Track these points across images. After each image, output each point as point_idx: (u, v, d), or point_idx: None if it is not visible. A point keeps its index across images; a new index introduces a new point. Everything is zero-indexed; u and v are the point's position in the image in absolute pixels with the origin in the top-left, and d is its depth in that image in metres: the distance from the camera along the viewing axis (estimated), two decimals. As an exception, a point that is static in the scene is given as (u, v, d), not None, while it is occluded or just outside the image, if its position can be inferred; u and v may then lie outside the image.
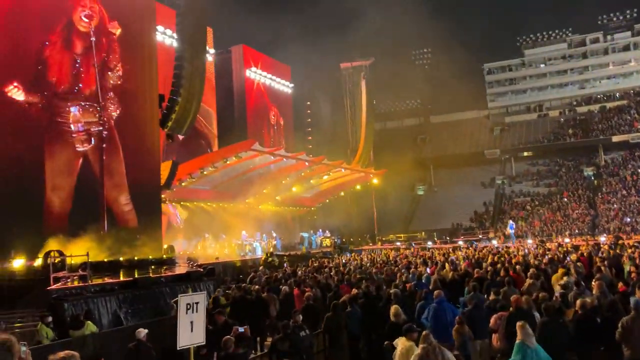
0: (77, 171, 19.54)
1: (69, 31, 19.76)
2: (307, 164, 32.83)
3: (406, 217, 51.62)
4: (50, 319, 11.22)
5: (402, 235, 43.76)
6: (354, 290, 11.66)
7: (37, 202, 18.19)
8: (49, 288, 13.58)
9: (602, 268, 12.97)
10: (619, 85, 60.62)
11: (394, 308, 8.72)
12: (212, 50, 37.62)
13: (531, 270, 12.58)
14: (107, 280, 15.65)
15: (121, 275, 17.32)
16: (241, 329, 9.33)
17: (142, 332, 9.18)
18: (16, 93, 17.92)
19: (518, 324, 6.81)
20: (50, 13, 19.26)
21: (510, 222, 38.96)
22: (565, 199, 47.03)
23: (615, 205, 43.36)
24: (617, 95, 59.52)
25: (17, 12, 18.29)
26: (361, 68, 47.27)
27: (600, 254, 17.40)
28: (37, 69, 18.68)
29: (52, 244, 16.43)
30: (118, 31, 21.39)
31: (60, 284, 14.22)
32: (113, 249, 19.24)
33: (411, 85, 61.75)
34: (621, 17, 63.43)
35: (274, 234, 33.88)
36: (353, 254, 30.86)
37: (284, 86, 44.50)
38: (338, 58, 48.44)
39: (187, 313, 7.94)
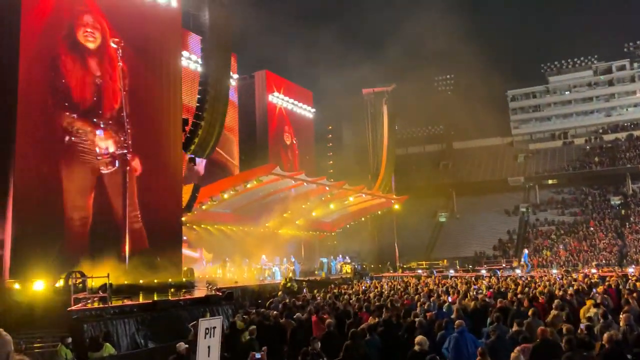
0: (94, 192, 19.73)
1: (101, 54, 20.22)
2: (327, 188, 32.78)
3: (428, 245, 50.98)
4: (69, 340, 11.24)
5: (423, 262, 43.16)
6: (373, 319, 11.45)
7: (59, 224, 18.41)
8: (69, 309, 13.66)
9: (630, 300, 12.52)
10: (647, 113, 59.69)
11: (419, 337, 8.52)
12: (235, 76, 38.22)
13: (556, 301, 12.21)
14: (127, 302, 15.69)
15: (140, 298, 17.38)
16: (258, 355, 9.20)
17: (183, 346, 9.41)
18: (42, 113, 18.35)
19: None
20: (63, 31, 19.62)
21: (525, 251, 38.52)
22: (592, 228, 45.99)
23: (643, 236, 42.23)
24: (644, 123, 58.56)
25: (47, 30, 18.81)
26: (383, 94, 47.38)
27: (628, 286, 16.84)
28: (61, 91, 19.06)
29: (74, 265, 16.57)
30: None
31: (80, 305, 14.31)
32: (133, 272, 19.36)
33: (434, 111, 61.76)
34: (648, 45, 62.83)
35: (293, 259, 33.72)
36: (373, 281, 30.50)
37: (306, 111, 44.83)
38: (360, 83, 48.74)
39: (205, 338, 7.89)
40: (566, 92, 64.86)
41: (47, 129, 18.54)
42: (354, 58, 46.34)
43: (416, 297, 16.14)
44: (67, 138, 19.06)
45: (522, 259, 37.24)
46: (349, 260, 37.81)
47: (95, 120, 19.97)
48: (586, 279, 20.75)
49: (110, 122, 20.43)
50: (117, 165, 20.39)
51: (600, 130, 61.12)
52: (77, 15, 20.03)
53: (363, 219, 44.20)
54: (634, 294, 13.86)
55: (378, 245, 45.36)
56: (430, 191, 54.18)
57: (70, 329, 12.47)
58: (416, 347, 8.42)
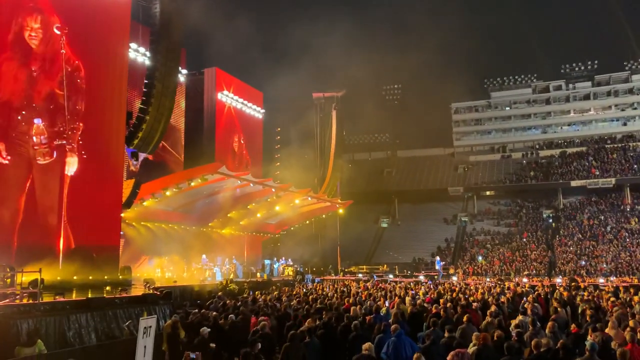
0: (26, 185, 18.81)
1: (22, 44, 19.10)
2: (273, 190, 32.70)
3: (369, 249, 51.79)
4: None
5: (364, 267, 43.80)
6: (313, 321, 11.53)
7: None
8: (-5, 304, 12.98)
9: (559, 309, 13.21)
10: (579, 132, 63.08)
11: (367, 345, 8.67)
12: (184, 71, 37.52)
13: (492, 307, 12.71)
14: (59, 299, 15.07)
15: (74, 295, 16.73)
16: (193, 355, 9.14)
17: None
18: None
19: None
20: (4, 26, 18.66)
21: (437, 258, 40.22)
22: (525, 240, 48.09)
23: (571, 248, 44.56)
24: (576, 141, 61.86)
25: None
26: (333, 99, 47.84)
27: (555, 296, 17.74)
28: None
29: (3, 259, 15.78)
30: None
31: (8, 300, 13.63)
32: (67, 268, 18.63)
33: (380, 119, 62.85)
34: (582, 68, 66.42)
35: (235, 260, 33.40)
36: (315, 284, 30.68)
37: (255, 111, 44.58)
38: (310, 87, 48.99)
39: (143, 337, 7.74)
40: (507, 108, 67.57)
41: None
42: (305, 61, 46.35)
43: (353, 300, 16.37)
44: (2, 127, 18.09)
45: (436, 264, 39.04)
46: (291, 263, 37.87)
47: (35, 110, 19.04)
48: (518, 288, 21.69)
49: (49, 111, 19.53)
50: (54, 155, 19.54)
51: (537, 146, 64.06)
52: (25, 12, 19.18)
53: (307, 222, 44.39)
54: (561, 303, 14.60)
55: (321, 248, 45.67)
56: (373, 197, 55.15)
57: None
58: (363, 352, 8.56)
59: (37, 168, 19.11)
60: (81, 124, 20.66)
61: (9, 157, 18.17)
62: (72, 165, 20.24)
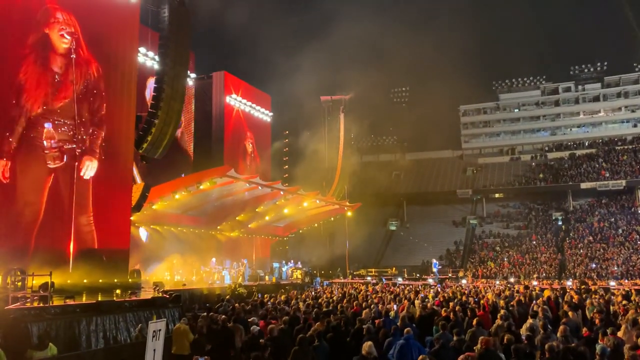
0: (46, 189, 19.06)
1: (45, 47, 19.48)
2: (282, 193, 32.75)
3: (378, 252, 51.69)
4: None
5: (372, 270, 43.71)
6: (322, 325, 11.51)
7: (5, 218, 17.64)
8: (7, 307, 13.08)
9: (570, 313, 13.10)
10: (589, 134, 62.68)
11: (367, 344, 8.65)
12: (193, 75, 37.70)
13: (502, 311, 12.63)
14: (69, 302, 15.17)
15: (84, 298, 16.84)
16: (201, 359, 9.14)
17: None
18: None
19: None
20: (26, 27, 18.97)
21: (435, 261, 40.06)
22: (534, 242, 47.79)
23: (581, 251, 44.21)
24: (586, 143, 61.46)
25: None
26: (341, 102, 47.91)
27: (566, 299, 17.60)
28: (14, 83, 18.35)
29: (15, 262, 15.89)
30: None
31: (19, 303, 13.73)
32: (78, 271, 18.73)
33: (389, 121, 62.83)
34: (592, 69, 66.01)
35: (245, 262, 33.47)
36: (323, 287, 30.67)
37: (264, 114, 44.70)
38: (319, 90, 49.08)
39: (152, 340, 7.77)
40: (515, 110, 67.29)
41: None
42: (313, 64, 46.47)
43: (364, 303, 16.35)
44: (21, 132, 18.34)
45: (433, 267, 38.97)
46: (300, 266, 37.87)
47: (46, 113, 19.24)
48: (527, 291, 21.54)
49: (62, 116, 19.72)
50: (65, 159, 19.68)
51: (546, 148, 63.71)
52: (49, 11, 19.53)
53: (316, 224, 44.39)
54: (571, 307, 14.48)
55: (329, 251, 45.65)
56: (382, 200, 55.04)
57: (7, 329, 11.96)
58: (363, 353, 8.55)
59: (54, 172, 19.31)
60: (102, 130, 20.97)
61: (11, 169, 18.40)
62: (91, 170, 20.53)
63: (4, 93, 18.02)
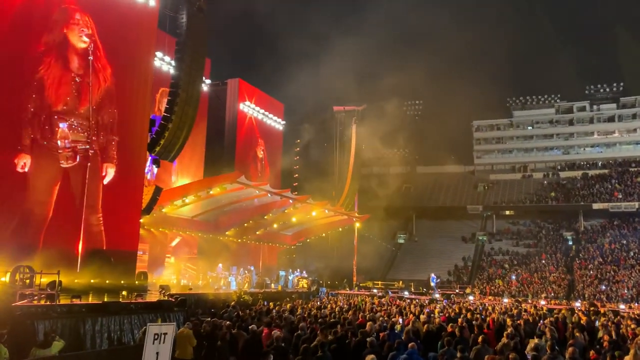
0: (57, 188, 19.24)
1: (65, 47, 19.81)
2: (291, 201, 32.77)
3: (385, 265, 51.44)
4: (5, 337, 10.78)
5: (379, 282, 43.48)
6: (326, 335, 11.45)
7: (14, 215, 17.83)
8: (14, 304, 13.17)
9: (577, 334, 12.94)
10: (602, 154, 62.17)
11: (369, 358, 8.59)
12: (208, 81, 37.99)
13: (509, 329, 12.50)
14: (76, 301, 15.24)
15: (90, 298, 16.91)
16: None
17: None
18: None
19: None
20: (44, 25, 19.28)
21: (432, 275, 39.70)
22: (544, 261, 47.32)
23: (591, 272, 43.69)
24: (599, 164, 60.93)
25: (16, 24, 18.35)
26: (353, 113, 47.87)
27: (573, 320, 17.38)
28: (34, 83, 18.64)
29: (24, 260, 16.01)
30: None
31: (26, 301, 13.83)
32: (85, 271, 18.84)
33: (401, 134, 62.69)
34: (607, 89, 65.61)
35: (252, 269, 33.46)
36: (329, 297, 30.54)
37: (276, 123, 44.88)
38: (331, 100, 49.18)
39: (153, 343, 7.76)
40: (529, 127, 66.97)
41: (13, 121, 18.04)
42: (327, 75, 46.62)
43: (368, 315, 16.25)
44: (34, 132, 18.59)
45: (430, 281, 38.63)
46: (306, 275, 37.78)
47: (62, 114, 19.49)
48: (533, 310, 21.31)
49: (77, 117, 19.96)
50: (77, 160, 19.88)
51: (558, 167, 63.28)
52: (68, 11, 19.89)
53: (324, 234, 44.31)
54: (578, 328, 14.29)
55: (336, 261, 45.46)
56: (391, 212, 54.81)
57: (13, 325, 12.02)
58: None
59: (66, 171, 19.52)
60: (116, 134, 21.26)
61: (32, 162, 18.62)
62: (110, 176, 20.95)
63: (25, 89, 18.34)
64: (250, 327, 12.81)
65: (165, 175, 31.65)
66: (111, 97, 21.30)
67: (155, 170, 28.17)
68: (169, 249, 32.78)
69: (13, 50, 18.14)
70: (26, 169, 18.22)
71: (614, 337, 12.62)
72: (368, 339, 10.60)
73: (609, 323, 16.08)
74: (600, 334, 14.03)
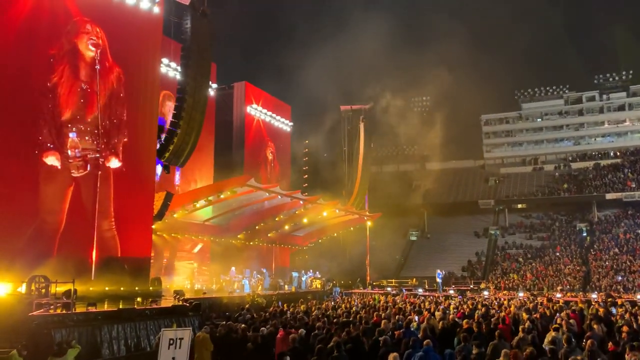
0: (69, 196, 19.38)
1: (75, 57, 20.00)
2: (301, 202, 32.78)
3: (398, 263, 51.26)
4: (25, 352, 10.84)
5: (393, 280, 43.34)
6: (341, 335, 11.43)
7: (28, 225, 17.98)
8: (31, 314, 13.29)
9: (595, 326, 12.80)
10: (614, 144, 61.48)
11: (392, 356, 8.55)
12: (214, 85, 38.11)
13: (526, 323, 12.40)
14: (91, 309, 15.34)
15: (105, 305, 17.02)
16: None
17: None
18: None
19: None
20: (54, 37, 19.48)
21: (438, 271, 39.39)
22: (558, 254, 46.91)
23: (607, 263, 43.23)
24: (611, 153, 60.29)
25: (24, 34, 18.52)
26: (360, 111, 47.79)
27: (591, 312, 17.21)
28: (49, 95, 18.84)
29: (39, 269, 16.14)
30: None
31: (42, 310, 13.93)
32: (100, 279, 18.96)
33: (409, 130, 62.42)
34: (617, 78, 64.92)
35: (265, 270, 33.52)
36: (343, 297, 30.50)
37: (284, 124, 44.92)
38: (338, 100, 49.15)
39: (169, 348, 7.78)
40: (538, 119, 66.42)
41: (25, 131, 18.22)
42: (333, 74, 46.59)
43: (383, 314, 16.20)
44: (45, 141, 18.77)
45: (437, 277, 38.34)
46: (319, 276, 37.77)
47: (72, 123, 19.65)
48: (549, 303, 21.14)
49: (86, 125, 20.11)
50: (88, 169, 20.02)
51: (569, 158, 62.70)
52: (78, 23, 20.16)
53: (335, 234, 44.25)
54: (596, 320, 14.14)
55: (349, 261, 45.40)
56: (402, 210, 54.65)
57: (31, 335, 12.13)
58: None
59: (77, 180, 19.67)
60: (124, 136, 21.38)
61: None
62: (114, 163, 21.15)
63: (41, 98, 18.61)
64: (261, 329, 12.84)
65: (168, 180, 31.70)
66: (119, 101, 21.40)
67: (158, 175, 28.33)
68: (192, 255, 32.97)
69: (24, 59, 18.36)
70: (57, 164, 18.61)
71: (634, 327, 12.48)
72: (380, 338, 10.56)
73: (627, 314, 15.91)
74: (618, 324, 13.86)
